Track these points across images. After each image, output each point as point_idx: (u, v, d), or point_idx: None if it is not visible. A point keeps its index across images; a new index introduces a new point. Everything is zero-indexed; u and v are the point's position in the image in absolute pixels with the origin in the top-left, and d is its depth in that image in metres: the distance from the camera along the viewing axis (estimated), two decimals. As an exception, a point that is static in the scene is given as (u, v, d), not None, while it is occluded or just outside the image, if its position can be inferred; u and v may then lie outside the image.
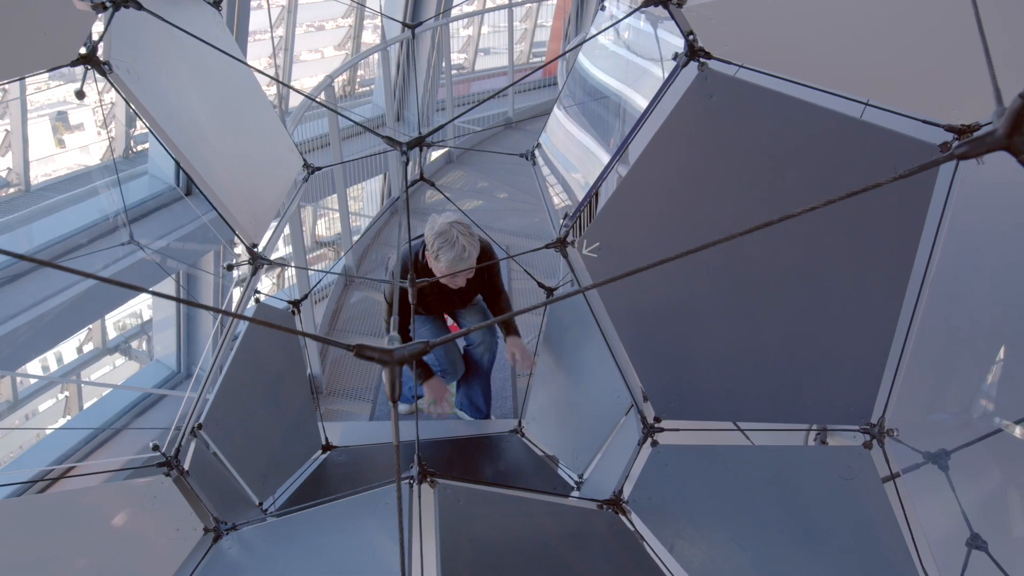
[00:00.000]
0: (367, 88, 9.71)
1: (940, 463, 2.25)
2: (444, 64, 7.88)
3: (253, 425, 3.34)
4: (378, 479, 2.17)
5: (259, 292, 3.48)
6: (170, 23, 2.09)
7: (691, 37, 1.99)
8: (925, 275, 2.12)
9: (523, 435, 3.69)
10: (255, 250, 2.31)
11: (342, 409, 4.25)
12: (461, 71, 10.79)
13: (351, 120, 2.40)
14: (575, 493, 3.19)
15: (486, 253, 3.44)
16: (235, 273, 2.57)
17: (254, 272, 2.35)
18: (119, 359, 8.66)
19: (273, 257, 5.11)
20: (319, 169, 3.08)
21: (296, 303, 3.52)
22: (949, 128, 1.98)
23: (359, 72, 9.76)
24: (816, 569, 2.21)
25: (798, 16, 1.82)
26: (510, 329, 3.74)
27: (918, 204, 2.04)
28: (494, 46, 10.99)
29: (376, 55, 7.00)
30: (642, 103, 2.21)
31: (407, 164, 1.74)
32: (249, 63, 5.75)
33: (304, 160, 3.08)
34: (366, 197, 9.39)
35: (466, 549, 2.05)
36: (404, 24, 2.97)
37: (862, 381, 2.32)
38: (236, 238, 2.29)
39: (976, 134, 0.78)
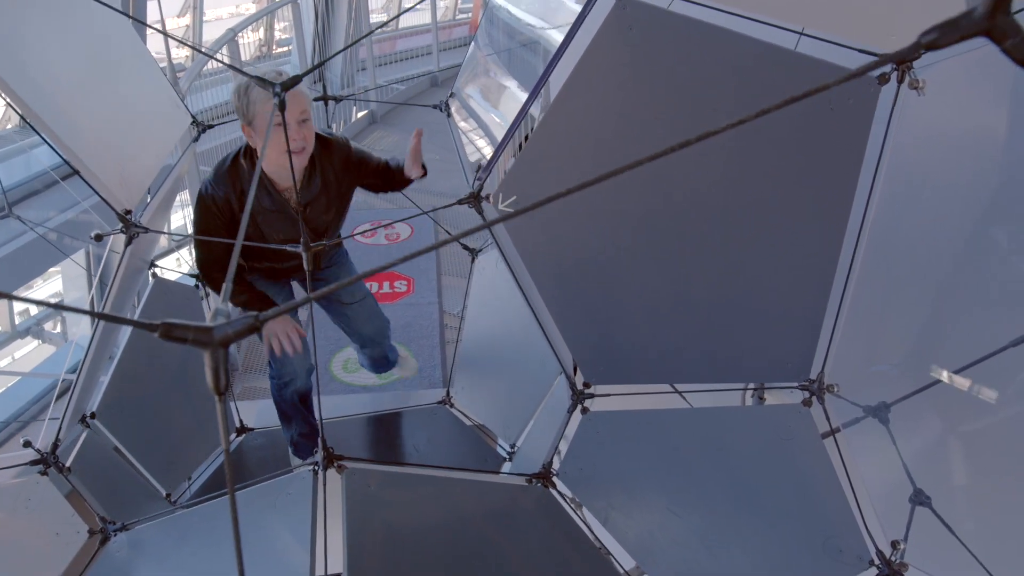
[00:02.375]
0: (286, 49, 9.24)
1: (880, 416, 2.14)
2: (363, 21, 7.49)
3: (156, 410, 3.08)
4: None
5: (157, 266, 3.19)
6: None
7: (606, -39, 1.78)
8: (863, 223, 1.98)
9: (452, 406, 3.50)
10: (128, 217, 2.03)
11: (262, 386, 3.99)
12: (384, 29, 10.34)
13: (244, 73, 2.11)
14: (507, 466, 3.03)
15: (340, 147, 2.46)
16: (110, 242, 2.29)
17: (129, 241, 2.07)
18: (31, 343, 8.18)
19: (175, 228, 4.77)
20: (211, 127, 2.79)
21: (198, 276, 3.24)
22: (886, 57, 1.81)
23: (276, 31, 9.27)
24: (757, 534, 2.09)
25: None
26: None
27: (854, 148, 1.88)
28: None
29: (290, 12, 6.58)
30: (558, 39, 1.99)
31: (283, 110, 1.49)
32: (149, 20, 5.32)
33: (193, 117, 2.78)
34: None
35: (378, 538, 1.86)
36: None
37: (800, 336, 2.18)
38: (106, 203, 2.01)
39: (945, 22, 0.59)
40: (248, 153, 2.33)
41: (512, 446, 3.08)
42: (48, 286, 8.30)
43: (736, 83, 1.85)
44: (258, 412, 3.47)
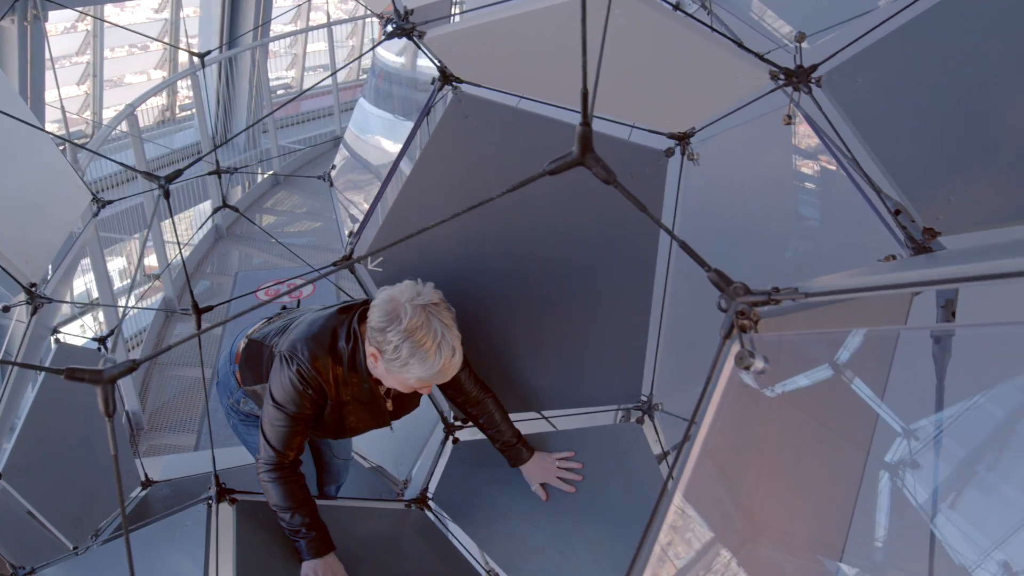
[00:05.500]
0: (189, 113, 9.44)
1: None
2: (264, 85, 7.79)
3: (63, 468, 3.24)
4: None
5: (60, 332, 3.39)
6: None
7: (441, 64, 2.17)
8: (668, 261, 2.41)
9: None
10: (33, 289, 2.28)
11: (167, 443, 4.17)
12: (289, 90, 10.66)
13: (122, 163, 2.40)
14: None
15: None
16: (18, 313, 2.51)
17: (34, 312, 2.32)
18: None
19: (78, 294, 4.92)
20: (110, 203, 3.04)
21: (103, 340, 3.44)
22: (671, 135, 2.26)
23: (180, 95, 9.45)
24: (600, 537, 2.43)
25: (528, 43, 2.03)
26: (519, 439, 2.44)
27: (654, 204, 2.32)
28: (325, 64, 10.94)
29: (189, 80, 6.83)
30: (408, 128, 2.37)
31: (167, 198, 1.80)
32: (49, 91, 5.48)
33: (94, 195, 3.03)
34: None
35: (267, 565, 2.13)
36: (191, 53, 2.94)
37: (630, 363, 2.58)
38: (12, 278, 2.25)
39: (558, 158, 0.95)
40: (351, 337, 2.09)
41: (404, 481, 3.36)
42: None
43: (547, 155, 2.26)
44: (163, 467, 3.65)
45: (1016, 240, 1.59)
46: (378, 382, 2.16)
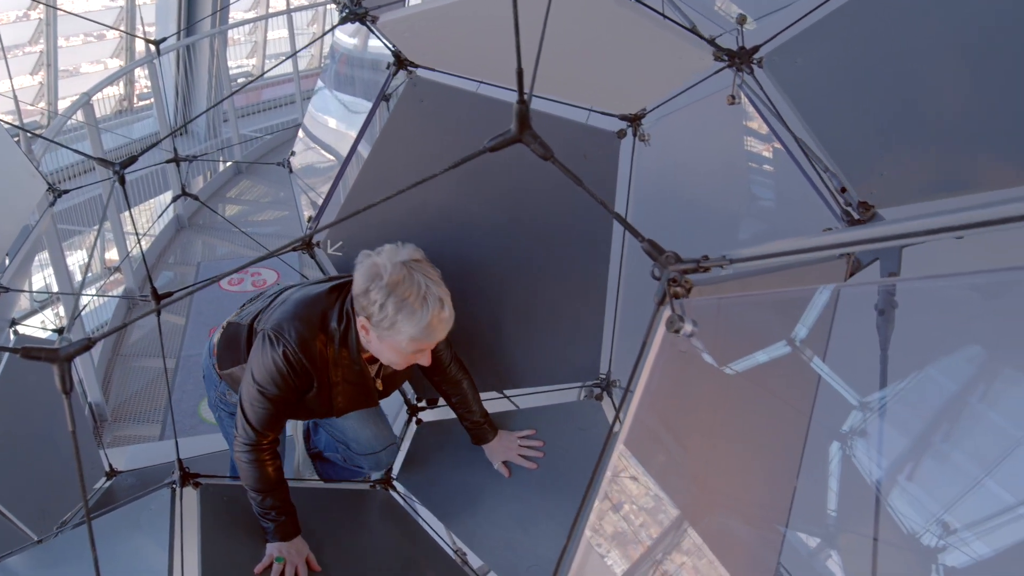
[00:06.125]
0: (147, 102, 9.29)
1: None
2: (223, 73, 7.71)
3: (27, 461, 3.22)
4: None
5: (17, 322, 3.36)
6: None
7: (395, 49, 2.19)
8: (623, 241, 2.47)
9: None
10: (-12, 280, 2.27)
11: (131, 434, 4.16)
12: (249, 77, 10.54)
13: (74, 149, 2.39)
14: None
15: None
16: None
17: (-10, 302, 2.31)
18: None
19: (37, 285, 4.86)
20: (66, 192, 3.02)
21: (62, 331, 3.42)
22: (623, 117, 2.32)
23: (138, 84, 9.31)
24: (561, 511, 2.49)
25: (480, 27, 2.07)
26: (487, 419, 2.48)
27: (608, 184, 2.37)
28: (287, 51, 10.82)
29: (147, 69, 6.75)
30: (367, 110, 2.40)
31: (123, 184, 1.80)
32: (1, 81, 5.37)
33: (50, 185, 3.01)
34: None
35: (231, 545, 2.15)
36: (148, 41, 2.91)
37: (589, 342, 2.64)
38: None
39: (497, 136, 0.99)
40: (343, 317, 2.04)
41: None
42: None
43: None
44: (127, 457, 3.65)
45: (949, 208, 1.67)
46: (372, 360, 2.13)
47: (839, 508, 1.73)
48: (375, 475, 2.61)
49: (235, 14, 10.68)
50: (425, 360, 2.04)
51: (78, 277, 6.32)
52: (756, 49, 1.81)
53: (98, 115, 5.80)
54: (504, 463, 2.47)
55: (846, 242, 0.92)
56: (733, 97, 1.85)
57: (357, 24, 2.21)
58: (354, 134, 2.59)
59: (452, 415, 2.66)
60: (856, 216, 1.67)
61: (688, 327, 0.91)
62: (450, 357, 2.36)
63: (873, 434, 1.65)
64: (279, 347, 1.99)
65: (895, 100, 1.75)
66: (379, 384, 2.23)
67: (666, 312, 0.95)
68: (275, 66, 9.33)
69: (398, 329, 1.90)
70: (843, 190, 1.90)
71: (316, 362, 2.04)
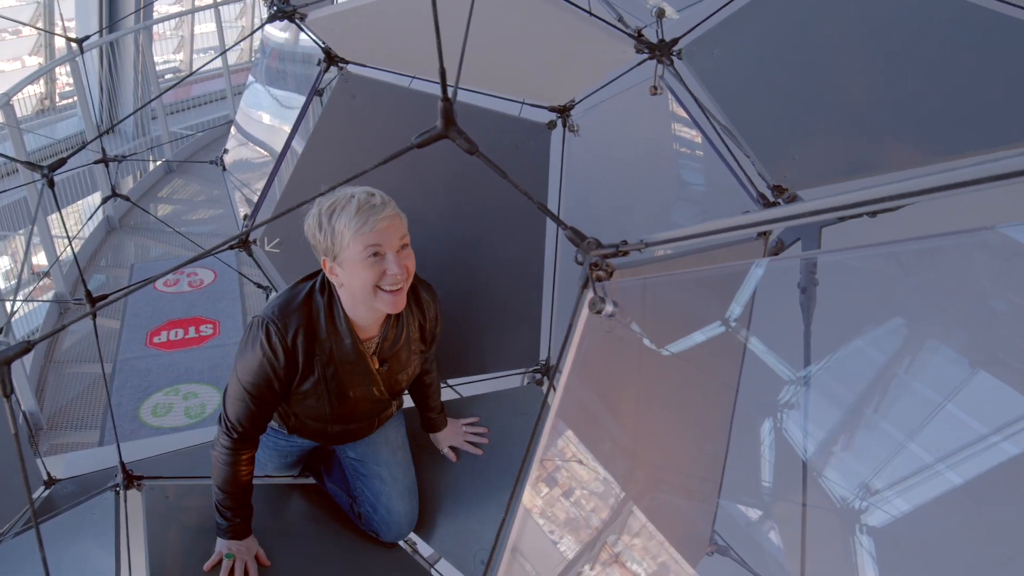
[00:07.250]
0: (70, 100, 9.01)
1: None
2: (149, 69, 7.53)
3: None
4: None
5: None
6: None
7: (326, 46, 2.21)
8: (558, 232, 2.54)
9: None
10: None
11: (69, 442, 4.07)
12: (178, 74, 10.31)
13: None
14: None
15: (431, 295, 2.24)
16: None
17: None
18: None
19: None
20: (-10, 196, 2.95)
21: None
22: (552, 108, 2.38)
23: (60, 82, 9.01)
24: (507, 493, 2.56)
25: (408, 23, 2.10)
26: (442, 409, 2.50)
27: (540, 174, 2.43)
28: (215, 46, 10.60)
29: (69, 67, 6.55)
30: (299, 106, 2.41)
31: (52, 187, 1.79)
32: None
33: (-29, 188, 2.93)
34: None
35: (177, 543, 2.16)
36: (68, 39, 2.84)
37: (528, 328, 2.71)
38: None
39: (424, 132, 1.03)
40: (325, 287, 1.96)
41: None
42: None
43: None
44: (66, 464, 3.58)
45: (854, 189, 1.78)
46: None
47: (769, 477, 1.83)
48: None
49: (160, 8, 10.43)
50: (397, 269, 1.84)
51: (6, 282, 6.14)
52: (675, 41, 1.88)
53: (19, 115, 5.62)
54: (452, 448, 2.52)
55: (755, 222, 0.99)
56: (655, 87, 1.93)
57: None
58: (287, 129, 2.60)
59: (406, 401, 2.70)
60: (771, 199, 1.77)
61: (609, 307, 0.98)
62: (434, 356, 2.36)
63: (799, 405, 1.75)
64: (261, 329, 1.92)
65: (806, 89, 1.85)
66: (375, 362, 2.07)
67: (589, 294, 1.01)
68: (206, 63, 9.13)
69: (340, 234, 1.80)
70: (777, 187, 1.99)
71: (300, 335, 1.93)
